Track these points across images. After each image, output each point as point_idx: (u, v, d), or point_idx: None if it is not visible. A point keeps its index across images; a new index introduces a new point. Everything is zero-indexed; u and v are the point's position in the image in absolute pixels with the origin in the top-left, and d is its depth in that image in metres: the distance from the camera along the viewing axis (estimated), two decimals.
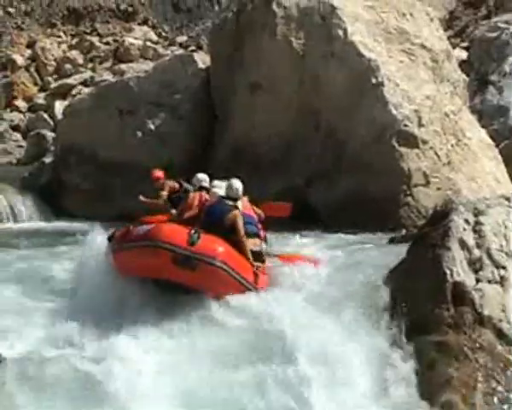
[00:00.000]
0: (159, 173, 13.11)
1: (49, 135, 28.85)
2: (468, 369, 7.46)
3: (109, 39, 43.89)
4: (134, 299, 8.87)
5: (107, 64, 40.44)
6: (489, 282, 7.92)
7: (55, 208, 20.27)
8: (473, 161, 18.05)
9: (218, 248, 8.82)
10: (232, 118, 19.10)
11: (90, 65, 40.56)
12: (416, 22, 18.90)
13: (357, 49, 17.45)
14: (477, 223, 8.30)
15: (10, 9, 47.23)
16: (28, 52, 42.12)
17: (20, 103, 37.80)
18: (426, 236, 8.55)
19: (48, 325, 9.22)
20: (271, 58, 18.11)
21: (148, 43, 41.84)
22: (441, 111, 17.85)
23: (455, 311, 7.73)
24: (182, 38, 45.89)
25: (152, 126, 20.20)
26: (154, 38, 44.84)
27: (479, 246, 8.14)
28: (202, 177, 11.28)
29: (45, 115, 34.48)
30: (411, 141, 16.91)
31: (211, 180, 11.13)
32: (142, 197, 12.94)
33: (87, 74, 38.85)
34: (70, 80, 38.02)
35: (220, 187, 10.66)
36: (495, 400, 7.31)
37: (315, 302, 8.82)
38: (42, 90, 39.06)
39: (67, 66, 39.62)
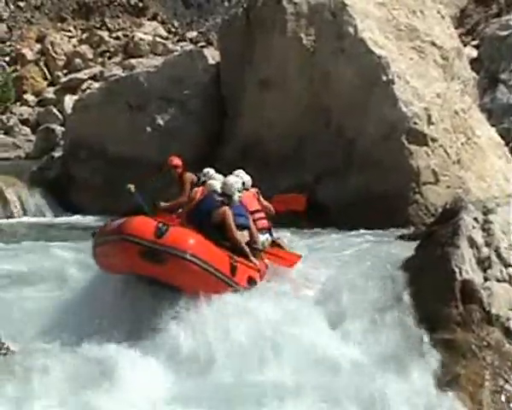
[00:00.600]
0: (177, 161, 12.12)
1: (59, 129, 28.97)
2: (476, 367, 7.47)
3: (119, 34, 43.99)
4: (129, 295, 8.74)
5: (117, 59, 40.54)
6: (497, 280, 7.93)
7: (64, 203, 20.33)
8: (482, 159, 18.03)
9: (188, 240, 8.39)
10: (242, 114, 19.10)
11: (99, 59, 40.67)
12: (426, 20, 18.85)
13: (368, 46, 17.42)
14: (486, 221, 8.31)
15: (20, 3, 47.33)
16: (38, 46, 42.23)
17: (30, 97, 37.93)
18: (435, 234, 8.57)
19: (55, 319, 9.24)
20: (281, 55, 18.10)
21: (158, 39, 41.89)
22: (451, 109, 17.83)
23: (463, 309, 7.74)
24: (192, 34, 45.95)
25: (161, 122, 20.22)
26: (164, 33, 44.91)
27: (487, 244, 8.15)
28: (207, 171, 11.01)
29: (55, 110, 34.60)
30: (421, 139, 16.89)
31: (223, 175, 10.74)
32: (163, 204, 11.54)
33: (97, 69, 38.96)
34: (80, 75, 38.14)
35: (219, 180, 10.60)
36: (502, 398, 7.32)
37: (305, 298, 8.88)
38: (51, 84, 39.17)
39: (77, 60, 39.73)
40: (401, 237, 13.36)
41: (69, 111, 26.55)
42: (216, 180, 10.19)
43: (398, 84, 17.18)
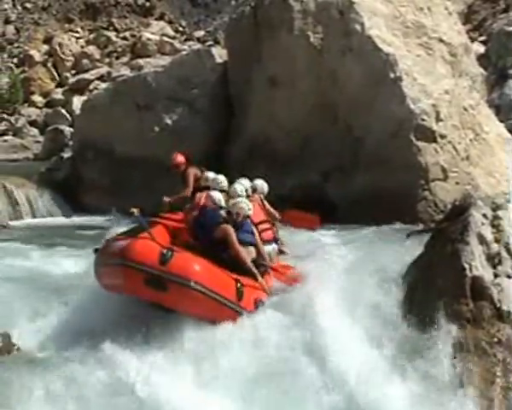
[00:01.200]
0: (180, 159, 12.22)
1: (67, 130, 29.03)
2: (487, 364, 7.45)
3: (126, 34, 44.04)
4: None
5: (125, 59, 40.59)
6: (508, 276, 7.91)
7: (73, 203, 20.37)
8: (490, 155, 18.00)
9: (192, 266, 8.12)
10: (249, 113, 19.11)
11: (107, 60, 40.72)
12: (434, 16, 18.82)
13: (375, 43, 17.40)
14: (495, 217, 8.28)
15: (27, 5, 47.45)
16: (45, 47, 42.30)
17: (37, 98, 38.01)
18: (444, 230, 8.54)
19: (63, 320, 9.24)
20: (289, 53, 18.09)
21: (165, 38, 41.91)
22: (459, 105, 17.79)
23: (473, 306, 7.72)
24: (199, 33, 46.00)
25: (169, 121, 20.24)
26: (171, 32, 44.95)
27: (497, 240, 8.13)
28: (212, 177, 10.84)
29: (63, 111, 34.66)
30: (429, 135, 16.87)
31: (229, 182, 10.62)
32: (166, 198, 11.78)
33: (104, 69, 39.02)
34: (87, 75, 38.22)
35: (221, 185, 10.40)
36: None
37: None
38: (59, 85, 39.23)
39: (85, 61, 39.79)
40: (410, 235, 13.33)
41: (77, 112, 26.61)
42: (220, 189, 10.01)
43: (405, 81, 17.16)
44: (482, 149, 17.94)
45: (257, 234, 9.69)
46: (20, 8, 46.67)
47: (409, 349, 7.72)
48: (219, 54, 21.67)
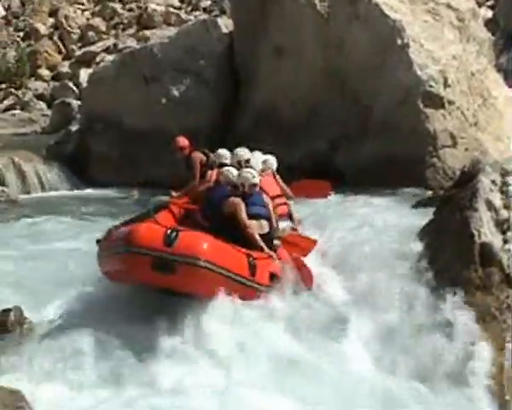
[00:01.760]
0: (183, 142, 11.70)
1: (75, 103, 28.89)
2: (496, 330, 7.47)
3: (132, 5, 43.70)
4: None
5: (131, 31, 40.35)
6: None
7: (81, 176, 20.34)
8: (499, 119, 17.90)
9: (200, 244, 7.84)
10: (256, 83, 19.03)
11: (113, 32, 40.51)
12: None
13: (382, 10, 17.26)
14: (504, 183, 8.27)
15: None
16: (51, 21, 42.11)
17: (44, 72, 37.88)
18: (453, 197, 8.55)
19: (75, 295, 9.23)
20: (295, 22, 17.96)
21: (171, 9, 41.66)
22: (467, 71, 17.68)
23: (482, 272, 7.73)
24: (205, 3, 45.64)
25: (176, 93, 20.16)
26: (177, 3, 44.60)
27: (506, 207, 8.12)
28: (223, 153, 10.60)
29: (70, 84, 34.54)
30: (437, 102, 16.77)
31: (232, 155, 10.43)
32: (173, 193, 11.11)
33: (110, 41, 38.83)
34: (93, 48, 38.04)
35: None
36: None
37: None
38: (66, 58, 39.10)
39: (91, 33, 39.62)
40: (419, 202, 13.30)
41: (84, 84, 26.54)
42: (232, 167, 9.64)
43: (413, 47, 17.04)
44: (490, 114, 17.85)
45: (271, 206, 9.42)
46: None
47: (416, 317, 7.78)
48: (225, 24, 21.53)
